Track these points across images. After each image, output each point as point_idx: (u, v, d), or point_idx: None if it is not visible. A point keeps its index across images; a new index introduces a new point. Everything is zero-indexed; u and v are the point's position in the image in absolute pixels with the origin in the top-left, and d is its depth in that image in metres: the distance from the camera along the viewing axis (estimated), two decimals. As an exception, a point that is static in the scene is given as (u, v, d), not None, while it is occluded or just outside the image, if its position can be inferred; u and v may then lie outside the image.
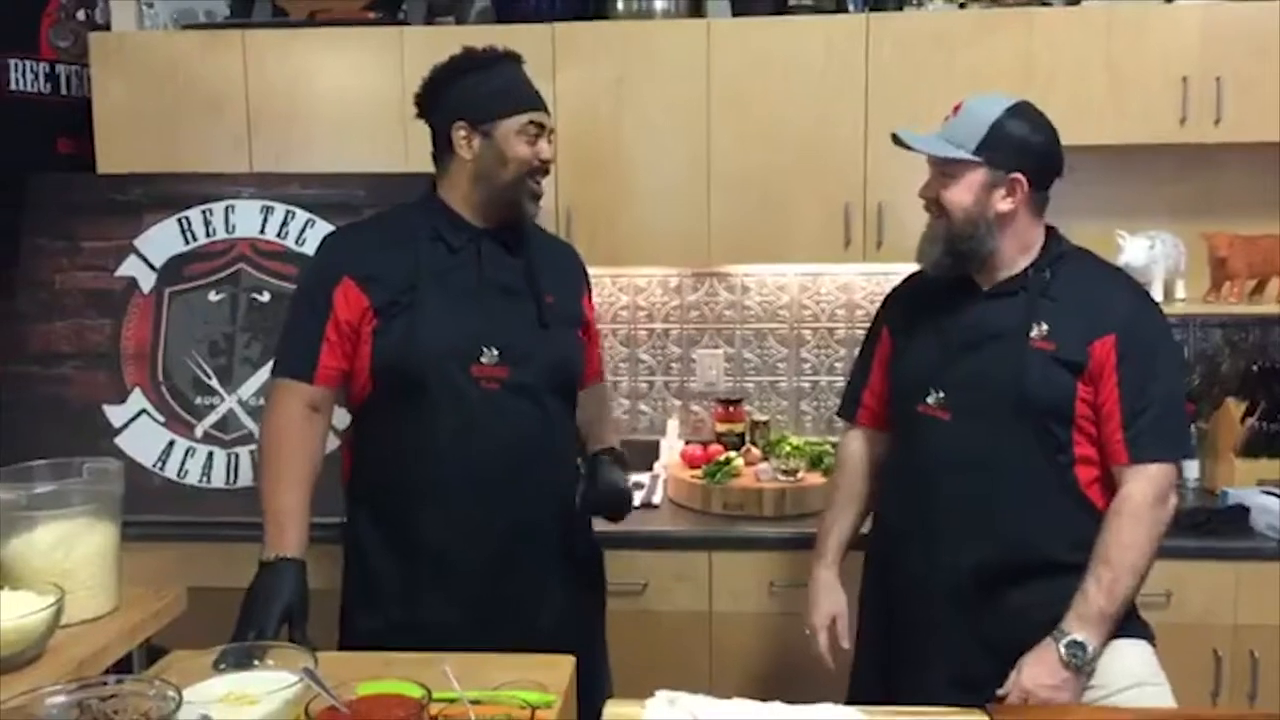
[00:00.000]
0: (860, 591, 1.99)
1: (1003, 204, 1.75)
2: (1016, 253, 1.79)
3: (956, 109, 1.79)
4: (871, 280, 3.04)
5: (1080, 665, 1.63)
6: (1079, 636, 1.63)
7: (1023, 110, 1.76)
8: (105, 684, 1.23)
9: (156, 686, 1.21)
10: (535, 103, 1.86)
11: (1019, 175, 1.74)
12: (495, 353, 1.80)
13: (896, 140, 1.84)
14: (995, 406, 1.74)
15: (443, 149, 1.86)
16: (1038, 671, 1.64)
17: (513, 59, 1.88)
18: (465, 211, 1.86)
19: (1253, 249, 2.71)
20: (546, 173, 1.87)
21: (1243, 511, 2.50)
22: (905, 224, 2.64)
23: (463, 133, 1.82)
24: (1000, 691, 1.65)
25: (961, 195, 1.75)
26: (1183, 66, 2.59)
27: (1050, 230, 1.84)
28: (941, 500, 1.78)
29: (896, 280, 2.97)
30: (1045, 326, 1.73)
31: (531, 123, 1.83)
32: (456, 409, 1.79)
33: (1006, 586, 1.74)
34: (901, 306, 1.99)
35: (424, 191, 1.91)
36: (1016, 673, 1.66)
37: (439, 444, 1.79)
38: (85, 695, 1.20)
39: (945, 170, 1.77)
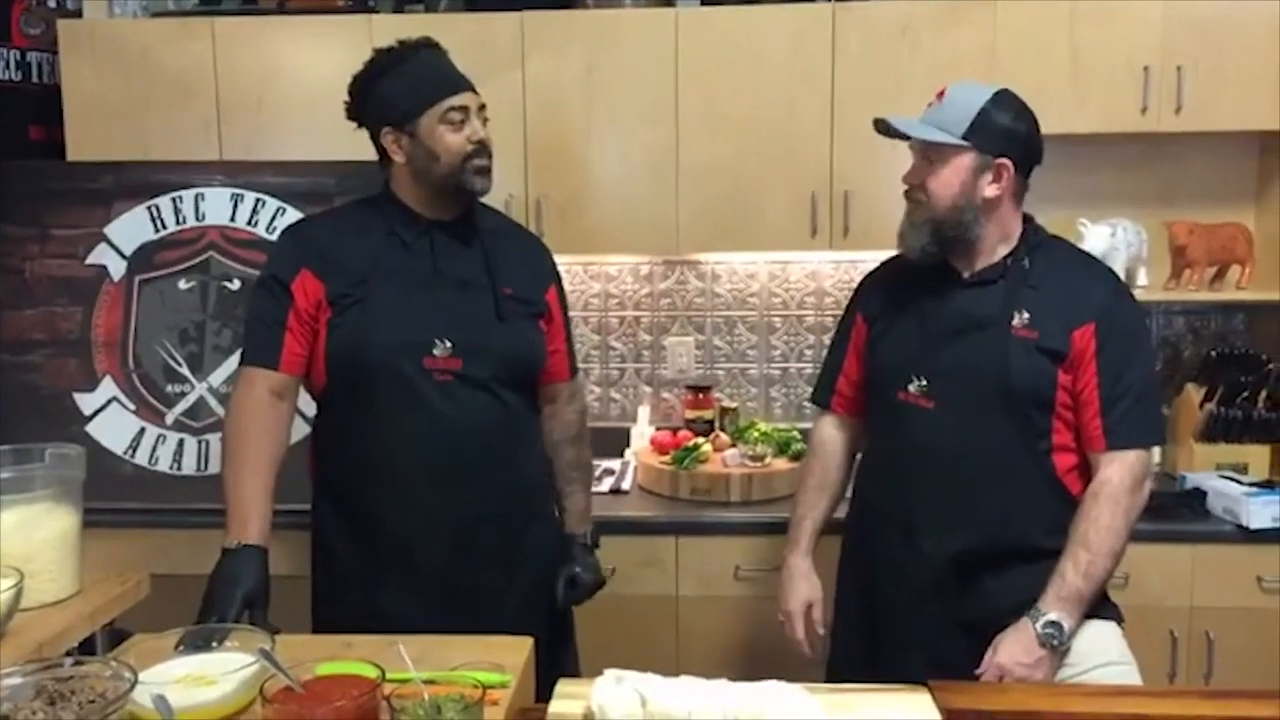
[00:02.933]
0: (837, 576, 2.00)
1: (989, 189, 1.75)
2: (998, 240, 1.80)
3: (940, 95, 1.79)
4: (840, 268, 3.07)
5: (1056, 645, 1.66)
6: (1055, 616, 1.66)
7: (1006, 98, 1.77)
8: (62, 665, 1.25)
9: (113, 668, 1.23)
10: (451, 87, 1.82)
11: (1006, 160, 1.75)
12: (448, 345, 1.80)
13: (881, 126, 1.82)
14: (979, 395, 1.75)
15: (380, 154, 1.87)
16: (1014, 650, 1.66)
17: (424, 47, 1.84)
18: (416, 206, 1.86)
19: (1212, 237, 2.76)
20: (487, 151, 1.84)
21: (1199, 495, 2.54)
22: (871, 212, 2.69)
23: (390, 138, 1.82)
24: (977, 671, 1.68)
25: (949, 180, 1.75)
26: (1144, 56, 2.62)
27: (1028, 218, 1.85)
28: (923, 487, 1.79)
29: (865, 268, 3.01)
30: (1027, 315, 1.74)
31: (452, 109, 1.80)
32: (410, 401, 1.79)
33: (985, 572, 1.76)
34: (877, 293, 1.98)
35: (381, 186, 1.91)
36: (992, 651, 1.68)
37: (394, 436, 1.81)
38: (41, 676, 1.21)
39: (931, 155, 1.77)
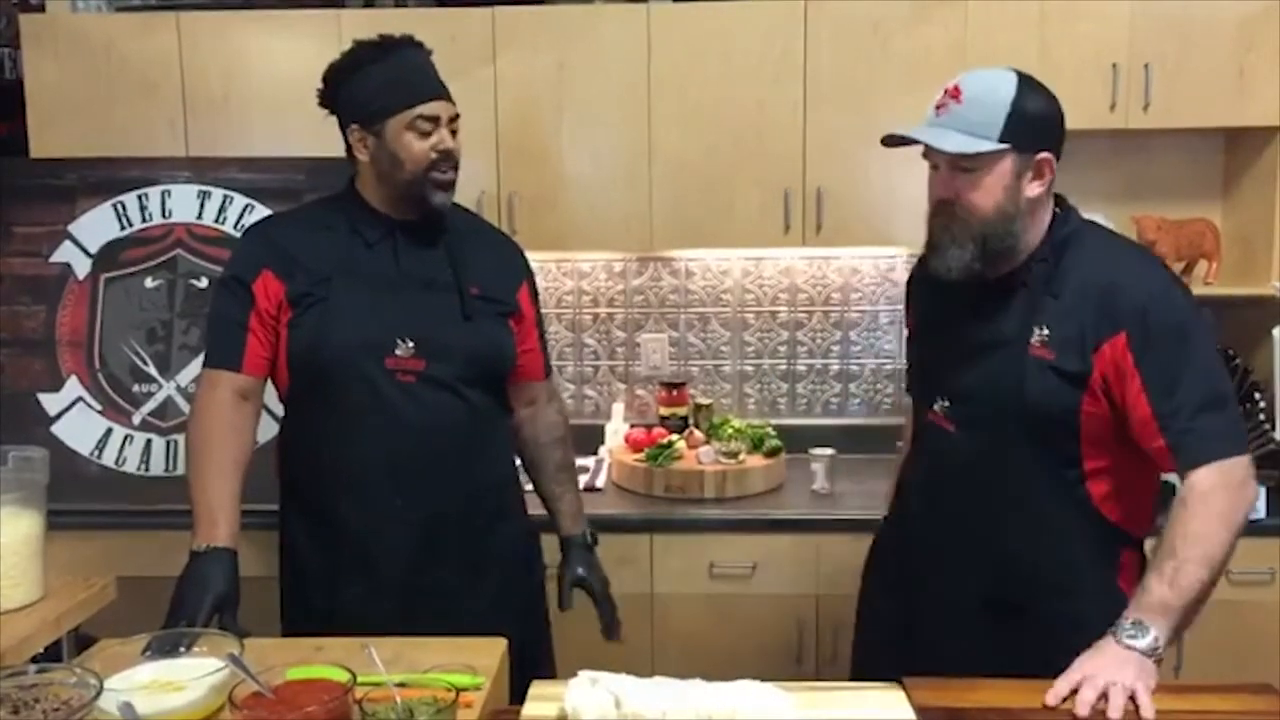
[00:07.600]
0: (863, 574, 1.91)
1: (1033, 189, 1.58)
2: (1033, 239, 1.62)
3: (956, 95, 1.56)
4: (813, 264, 3.07)
5: (1143, 644, 1.45)
6: (1138, 618, 1.46)
7: (1030, 83, 1.58)
8: (26, 672, 1.23)
9: (77, 674, 1.21)
10: (424, 94, 1.78)
11: (1047, 154, 1.57)
12: (410, 345, 1.78)
13: (894, 141, 1.62)
14: (996, 419, 1.61)
15: (348, 149, 1.85)
16: (1097, 660, 1.45)
17: (408, 45, 1.81)
18: (380, 205, 1.85)
19: (1180, 232, 2.78)
20: (453, 163, 1.82)
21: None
22: (844, 209, 2.70)
23: (356, 135, 1.80)
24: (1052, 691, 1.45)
25: (991, 189, 1.56)
26: (1112, 54, 2.64)
27: (1059, 201, 1.65)
28: (949, 514, 1.69)
29: (838, 264, 3.05)
30: (1046, 331, 1.57)
31: (421, 117, 1.77)
32: (372, 401, 1.78)
33: (1019, 610, 1.63)
34: (920, 294, 1.84)
35: (345, 184, 1.89)
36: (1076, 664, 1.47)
37: (356, 436, 1.79)
38: (4, 684, 1.20)
39: (965, 164, 1.56)
